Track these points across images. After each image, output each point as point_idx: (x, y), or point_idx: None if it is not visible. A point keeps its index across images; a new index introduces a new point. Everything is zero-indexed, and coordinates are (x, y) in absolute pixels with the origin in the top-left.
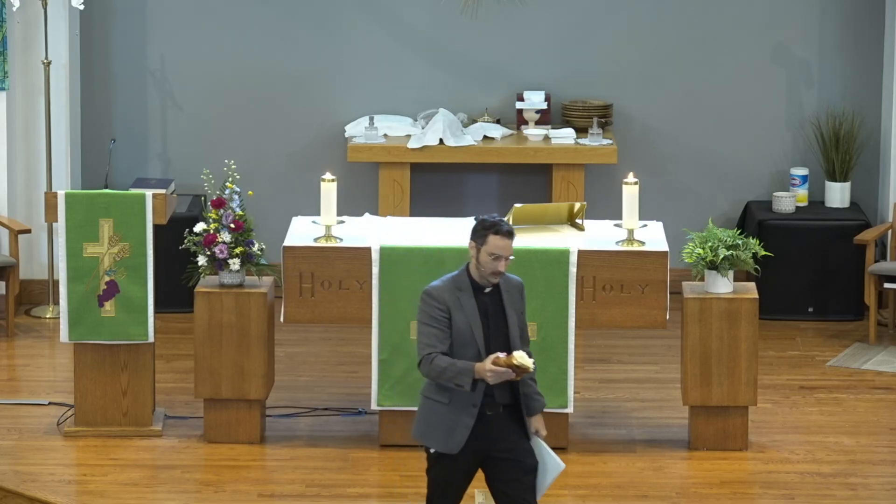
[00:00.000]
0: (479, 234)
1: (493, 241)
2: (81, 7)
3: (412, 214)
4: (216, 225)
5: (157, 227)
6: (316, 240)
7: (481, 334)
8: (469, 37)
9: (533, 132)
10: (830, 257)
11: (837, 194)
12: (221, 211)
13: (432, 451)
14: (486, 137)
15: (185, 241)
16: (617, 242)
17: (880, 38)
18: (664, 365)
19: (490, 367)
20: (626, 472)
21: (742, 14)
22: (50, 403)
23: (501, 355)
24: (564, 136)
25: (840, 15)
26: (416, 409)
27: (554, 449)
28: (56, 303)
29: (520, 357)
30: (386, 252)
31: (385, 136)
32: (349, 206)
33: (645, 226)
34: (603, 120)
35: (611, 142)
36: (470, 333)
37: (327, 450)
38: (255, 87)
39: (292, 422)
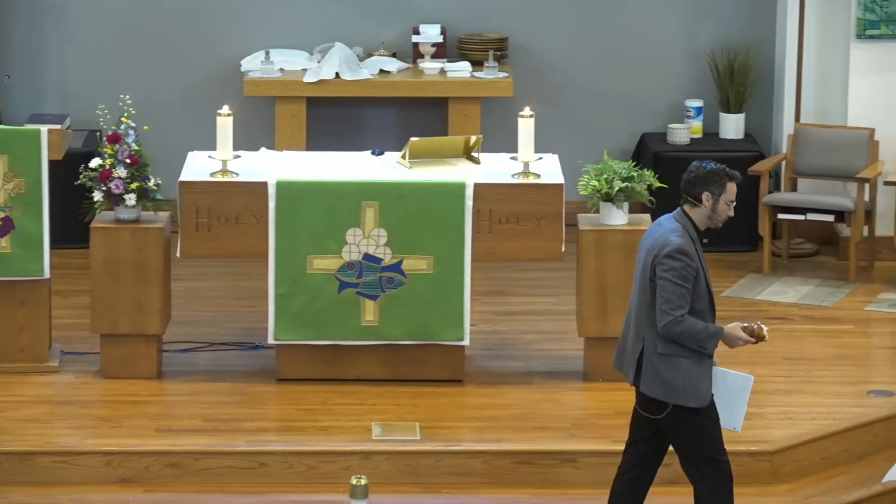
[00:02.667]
0: (716, 184)
1: (731, 188)
2: None
3: (309, 149)
4: (112, 160)
5: (52, 163)
6: (212, 174)
7: (710, 285)
8: None
9: (429, 66)
10: None
11: (732, 126)
12: (117, 146)
13: (693, 406)
14: (382, 71)
15: (81, 176)
16: (513, 175)
17: None
18: (561, 297)
19: (745, 336)
20: (523, 404)
21: None
22: None
23: (755, 325)
24: (460, 69)
25: None
26: (314, 342)
27: (450, 381)
28: None
29: (766, 331)
30: (283, 186)
31: (281, 70)
32: (246, 140)
33: (540, 158)
34: (499, 53)
35: (506, 75)
36: (705, 285)
37: (225, 384)
38: (151, 21)
39: (190, 357)
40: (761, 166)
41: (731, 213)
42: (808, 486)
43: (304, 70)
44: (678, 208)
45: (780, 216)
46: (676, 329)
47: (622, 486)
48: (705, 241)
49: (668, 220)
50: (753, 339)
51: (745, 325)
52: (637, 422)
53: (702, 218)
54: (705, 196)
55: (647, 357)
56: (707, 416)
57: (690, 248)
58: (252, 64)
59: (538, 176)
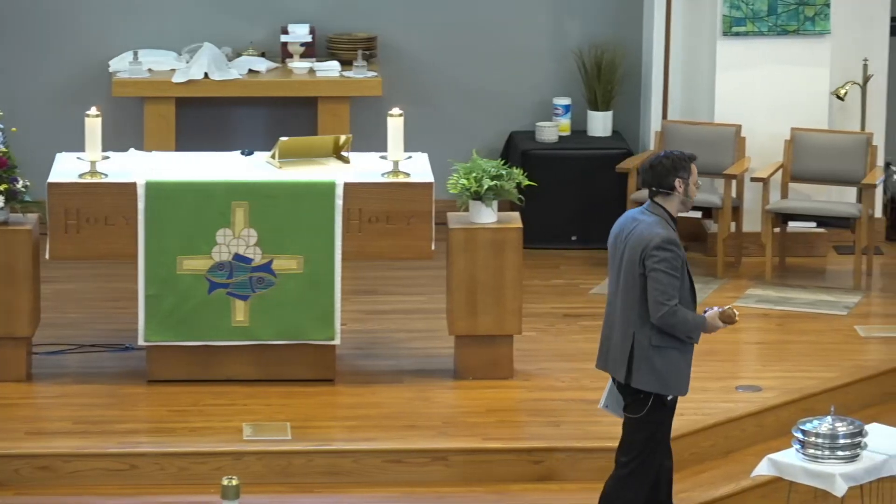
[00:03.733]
0: (684, 169)
1: (694, 169)
2: None
3: (178, 149)
4: None
5: None
6: (81, 176)
7: (692, 274)
8: None
9: (298, 65)
10: (593, 186)
11: (600, 123)
12: None
13: (669, 398)
14: (251, 71)
15: None
16: (383, 174)
17: None
18: (431, 296)
19: (720, 323)
20: (394, 403)
21: None
22: None
23: (728, 311)
24: (329, 68)
25: None
26: (185, 343)
27: (321, 381)
28: None
29: (737, 315)
30: (152, 187)
31: (150, 70)
32: (115, 141)
33: (410, 157)
34: (367, 52)
35: (375, 74)
36: (688, 275)
37: (95, 386)
38: (18, 20)
39: (60, 359)
40: (629, 163)
41: (696, 194)
42: (678, 481)
43: (173, 70)
44: (647, 202)
45: None
46: (672, 319)
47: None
48: (574, 238)
49: (642, 214)
50: (727, 325)
51: (721, 310)
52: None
53: (676, 205)
54: (678, 182)
55: (640, 351)
56: (668, 413)
57: (677, 237)
58: (120, 64)
59: (408, 175)
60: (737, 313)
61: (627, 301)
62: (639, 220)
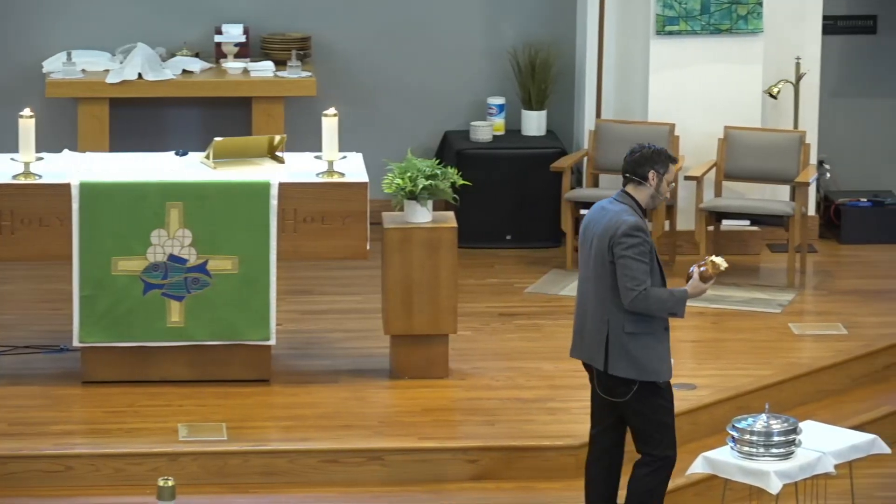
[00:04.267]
0: (662, 164)
1: (673, 169)
2: None
3: (112, 150)
4: None
5: None
6: (15, 177)
7: (660, 261)
8: None
9: (232, 65)
10: (528, 185)
11: (534, 123)
12: None
13: (661, 382)
14: (185, 71)
15: None
16: (317, 174)
17: None
18: (366, 295)
19: (706, 284)
20: (330, 403)
21: None
22: None
23: (703, 268)
24: (263, 68)
25: None
26: (120, 344)
27: (257, 381)
28: None
29: (719, 260)
30: (86, 188)
31: (83, 71)
32: (49, 142)
33: (345, 157)
34: (302, 52)
35: (310, 74)
36: (657, 261)
37: (30, 388)
38: None
39: None
40: (563, 162)
41: (668, 196)
42: None
43: (107, 71)
44: (619, 191)
45: (583, 212)
46: (644, 303)
47: (596, 475)
48: (509, 237)
49: (612, 203)
50: (714, 277)
51: (701, 269)
52: (600, 408)
53: (645, 197)
54: (651, 174)
55: (614, 338)
56: (665, 398)
57: (644, 224)
58: (54, 65)
59: (343, 175)
60: (721, 262)
61: (600, 290)
62: (607, 210)
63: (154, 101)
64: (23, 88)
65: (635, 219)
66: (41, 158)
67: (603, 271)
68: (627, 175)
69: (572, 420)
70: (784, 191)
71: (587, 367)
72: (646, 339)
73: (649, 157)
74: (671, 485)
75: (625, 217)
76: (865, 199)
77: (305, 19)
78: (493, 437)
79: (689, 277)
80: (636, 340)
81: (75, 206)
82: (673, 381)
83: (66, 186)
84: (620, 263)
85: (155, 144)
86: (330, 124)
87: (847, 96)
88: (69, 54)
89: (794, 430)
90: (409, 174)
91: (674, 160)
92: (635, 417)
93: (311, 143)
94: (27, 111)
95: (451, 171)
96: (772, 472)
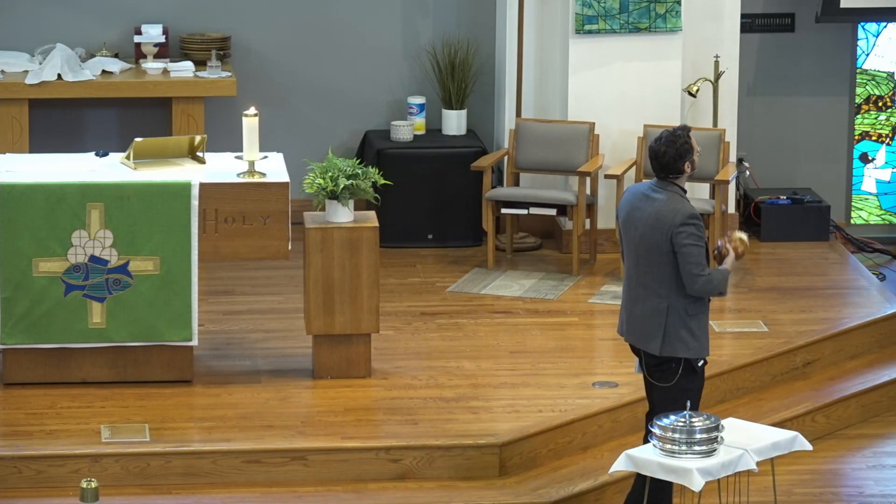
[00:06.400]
0: (687, 143)
1: (693, 141)
2: None
3: (32, 151)
4: None
5: None
6: None
7: None
8: None
9: (151, 66)
10: (448, 184)
11: (454, 122)
12: None
13: (700, 363)
14: (104, 72)
15: None
16: (238, 175)
17: None
18: (287, 295)
19: (736, 262)
20: (251, 403)
21: None
22: None
23: (726, 245)
24: (183, 69)
25: None
26: (41, 346)
27: (178, 382)
28: None
29: (744, 236)
30: (5, 189)
31: (2, 72)
32: None
33: (265, 157)
34: (221, 52)
35: (230, 74)
36: None
37: None
38: None
39: None
40: (483, 162)
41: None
42: (536, 478)
43: (26, 72)
44: (656, 178)
45: (504, 211)
46: (710, 286)
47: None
48: (430, 236)
49: (653, 192)
50: (741, 251)
51: (735, 248)
52: (648, 392)
53: (684, 180)
54: (686, 165)
55: (674, 322)
56: (698, 382)
57: (694, 209)
58: None
59: (263, 175)
60: (743, 237)
61: (655, 277)
62: (653, 199)
63: (74, 101)
64: None
65: (688, 206)
66: None
67: (657, 260)
68: (664, 172)
69: (493, 419)
70: (704, 189)
71: (634, 349)
72: (703, 318)
73: (677, 155)
74: (594, 482)
75: (677, 206)
76: (785, 197)
77: (225, 19)
78: (415, 436)
79: (716, 255)
80: (697, 321)
81: None
82: (595, 378)
83: None
84: (683, 252)
85: (75, 145)
86: (250, 124)
87: (766, 94)
88: None
89: (716, 428)
90: (329, 174)
91: (688, 129)
92: (670, 398)
93: (231, 143)
94: None
95: (372, 170)
96: (694, 470)
